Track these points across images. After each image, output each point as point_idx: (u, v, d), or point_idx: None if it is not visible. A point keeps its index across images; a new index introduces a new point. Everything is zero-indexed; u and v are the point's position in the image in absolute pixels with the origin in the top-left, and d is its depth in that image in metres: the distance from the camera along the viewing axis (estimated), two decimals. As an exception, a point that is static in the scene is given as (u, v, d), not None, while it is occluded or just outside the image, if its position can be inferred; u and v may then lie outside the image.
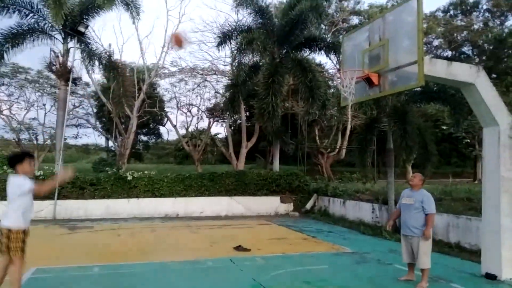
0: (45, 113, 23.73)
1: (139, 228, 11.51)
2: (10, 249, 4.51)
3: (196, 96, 24.17)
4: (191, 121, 25.01)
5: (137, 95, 21.22)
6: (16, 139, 22.93)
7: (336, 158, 25.35)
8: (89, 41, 16.00)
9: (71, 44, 15.46)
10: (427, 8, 30.20)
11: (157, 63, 22.58)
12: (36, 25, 15.02)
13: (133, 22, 16.54)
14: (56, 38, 15.51)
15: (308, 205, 15.30)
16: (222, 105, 20.99)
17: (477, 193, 10.25)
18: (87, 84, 24.82)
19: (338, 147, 24.97)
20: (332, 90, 20.55)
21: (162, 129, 33.73)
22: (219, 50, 18.79)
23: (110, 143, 28.96)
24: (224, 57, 28.31)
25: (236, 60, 16.76)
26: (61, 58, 15.25)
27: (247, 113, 24.72)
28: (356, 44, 7.24)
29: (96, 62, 16.21)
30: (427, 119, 23.62)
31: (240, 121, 23.94)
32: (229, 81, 18.75)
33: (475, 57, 27.39)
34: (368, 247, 8.80)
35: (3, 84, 22.51)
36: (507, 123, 6.32)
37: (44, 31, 15.19)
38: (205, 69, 23.00)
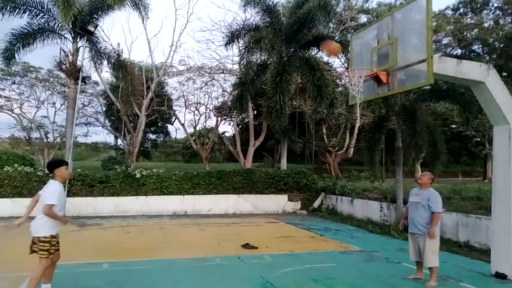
0: (55, 112, 24.01)
1: (147, 225, 11.62)
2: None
3: (204, 94, 24.23)
4: (199, 119, 25.08)
5: (145, 93, 21.40)
6: (27, 137, 23.21)
7: (344, 157, 25.26)
8: (98, 40, 16.13)
9: (80, 43, 15.60)
10: (436, 7, 29.88)
11: (165, 62, 22.77)
12: (46, 24, 15.20)
13: (142, 22, 16.69)
14: (66, 38, 15.70)
15: (316, 204, 15.30)
16: (230, 103, 21.01)
17: (487, 192, 10.13)
18: (96, 83, 25.10)
19: (346, 145, 24.87)
20: (340, 89, 20.45)
21: (170, 128, 34.18)
22: (227, 49, 18.93)
23: (119, 141, 29.37)
24: (232, 56, 28.28)
25: (244, 59, 16.76)
26: (70, 57, 15.38)
27: (255, 112, 24.75)
28: (364, 42, 7.21)
29: (105, 61, 16.33)
30: (436, 117, 23.38)
31: (247, 120, 23.95)
32: (237, 80, 18.77)
33: (486, 55, 27.08)
34: (376, 246, 8.78)
35: (14, 83, 22.82)
36: (517, 121, 6.24)
37: (54, 31, 15.36)
38: (213, 67, 23.07)
